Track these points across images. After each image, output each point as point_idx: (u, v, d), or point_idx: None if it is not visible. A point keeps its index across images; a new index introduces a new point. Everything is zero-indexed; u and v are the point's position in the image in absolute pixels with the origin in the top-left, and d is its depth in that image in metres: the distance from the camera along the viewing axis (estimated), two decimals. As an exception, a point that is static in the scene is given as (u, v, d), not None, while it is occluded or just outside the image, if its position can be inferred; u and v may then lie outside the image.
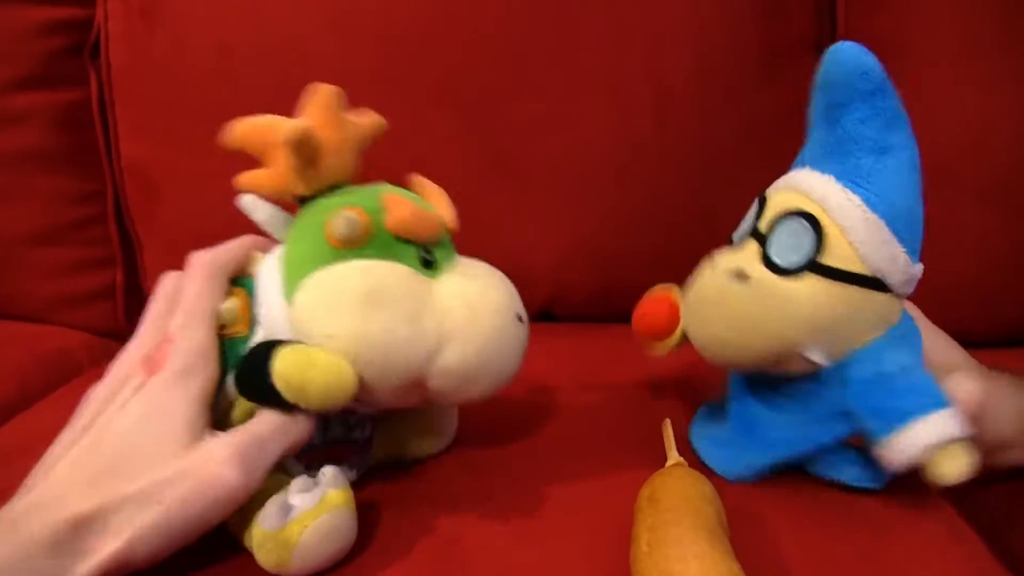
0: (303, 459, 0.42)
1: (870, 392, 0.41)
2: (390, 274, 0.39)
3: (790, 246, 0.41)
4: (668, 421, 0.47)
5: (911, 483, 0.41)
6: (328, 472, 0.39)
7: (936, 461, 0.39)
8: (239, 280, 0.43)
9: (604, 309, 0.74)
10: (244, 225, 0.44)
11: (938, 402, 0.40)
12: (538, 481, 0.46)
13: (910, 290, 0.43)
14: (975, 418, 0.44)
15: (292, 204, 0.43)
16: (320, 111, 0.41)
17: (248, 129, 0.42)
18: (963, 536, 0.43)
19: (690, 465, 0.43)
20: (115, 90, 0.75)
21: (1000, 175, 0.67)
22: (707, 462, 0.47)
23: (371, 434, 0.46)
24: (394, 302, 0.38)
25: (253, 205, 0.42)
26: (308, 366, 0.36)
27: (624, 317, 0.53)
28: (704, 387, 0.53)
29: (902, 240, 0.41)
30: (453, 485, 0.46)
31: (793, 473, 0.46)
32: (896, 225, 0.41)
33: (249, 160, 0.43)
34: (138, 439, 0.35)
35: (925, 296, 0.47)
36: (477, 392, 0.41)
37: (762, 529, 0.42)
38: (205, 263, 0.41)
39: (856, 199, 0.40)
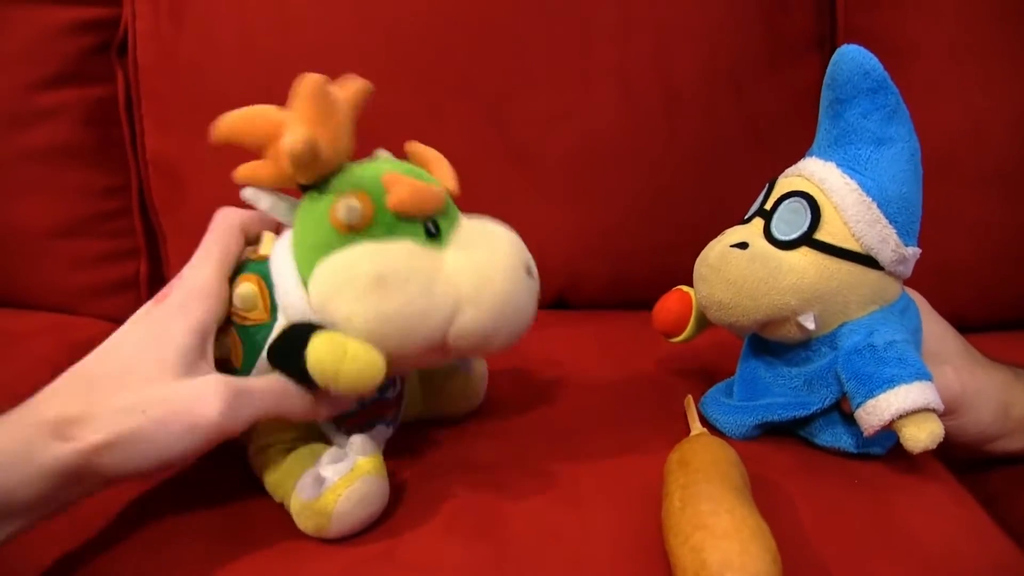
0: (343, 425, 0.44)
1: (856, 359, 0.44)
2: (398, 254, 0.40)
3: (789, 222, 0.46)
4: (690, 396, 0.50)
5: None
6: (356, 441, 0.41)
7: (907, 426, 0.42)
8: (250, 266, 0.43)
9: (616, 298, 0.77)
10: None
11: (917, 373, 0.43)
12: (567, 450, 0.49)
13: (905, 271, 0.46)
14: (949, 410, 0.47)
15: (294, 188, 0.43)
16: (310, 104, 0.40)
17: (240, 122, 0.41)
18: (962, 501, 0.46)
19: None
20: (141, 87, 0.77)
21: (994, 165, 0.69)
22: (711, 419, 0.51)
23: (401, 389, 0.48)
24: (405, 281, 0.39)
25: (255, 196, 0.42)
26: (341, 356, 0.38)
27: (635, 306, 0.56)
28: (716, 370, 0.56)
29: (894, 222, 0.45)
30: (487, 456, 0.48)
31: (803, 444, 0.49)
32: (888, 208, 0.44)
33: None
34: (136, 358, 0.37)
35: (923, 281, 0.50)
36: (496, 347, 0.43)
37: (778, 493, 0.44)
38: (223, 215, 0.44)
39: (852, 183, 0.45)
